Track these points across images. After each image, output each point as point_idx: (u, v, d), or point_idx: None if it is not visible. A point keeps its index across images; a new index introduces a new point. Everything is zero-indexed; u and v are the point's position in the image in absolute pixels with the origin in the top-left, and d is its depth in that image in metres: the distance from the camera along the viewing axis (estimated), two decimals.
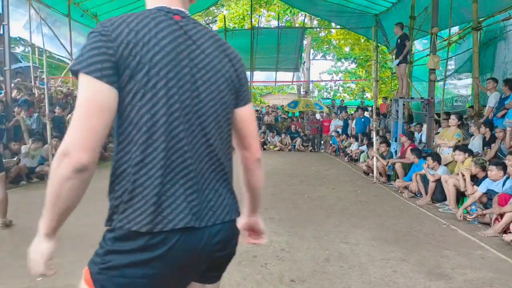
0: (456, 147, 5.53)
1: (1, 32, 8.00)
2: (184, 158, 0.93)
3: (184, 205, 0.92)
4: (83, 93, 0.85)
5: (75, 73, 0.86)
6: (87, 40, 0.89)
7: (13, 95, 8.32)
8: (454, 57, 10.32)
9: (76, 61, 0.86)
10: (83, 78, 0.85)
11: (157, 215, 0.90)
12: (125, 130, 0.91)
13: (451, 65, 10.70)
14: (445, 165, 5.67)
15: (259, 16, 20.28)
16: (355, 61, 23.14)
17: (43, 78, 8.88)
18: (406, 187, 6.04)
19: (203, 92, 0.96)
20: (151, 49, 0.89)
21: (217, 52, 1.00)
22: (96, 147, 0.86)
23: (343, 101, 17.68)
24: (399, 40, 8.22)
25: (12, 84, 8.42)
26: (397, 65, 8.39)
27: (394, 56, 9.22)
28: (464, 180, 4.73)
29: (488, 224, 4.20)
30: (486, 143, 5.86)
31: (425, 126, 8.12)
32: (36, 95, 9.62)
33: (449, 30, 8.77)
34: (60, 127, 9.00)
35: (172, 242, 0.90)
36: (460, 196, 4.99)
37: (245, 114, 1.09)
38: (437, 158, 5.51)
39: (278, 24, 16.80)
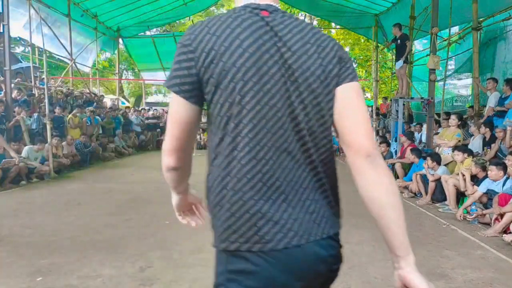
0: (455, 147, 5.53)
1: (1, 31, 8.00)
2: (274, 169, 0.86)
3: (282, 223, 0.85)
4: (170, 104, 0.92)
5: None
6: (176, 51, 0.91)
7: (13, 95, 8.32)
8: (454, 57, 10.32)
9: (169, 75, 0.91)
10: (172, 95, 0.91)
11: (253, 234, 0.85)
12: (216, 142, 0.91)
13: (451, 65, 10.70)
14: (445, 165, 5.67)
15: None
16: (355, 61, 23.15)
17: (43, 78, 8.88)
18: (406, 187, 6.03)
19: (293, 94, 0.88)
20: (234, 52, 0.84)
21: (307, 47, 0.90)
22: (181, 152, 0.95)
23: None
24: (399, 41, 8.22)
25: (12, 84, 8.42)
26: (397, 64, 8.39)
27: (394, 57, 9.22)
28: (464, 180, 4.73)
29: (488, 224, 4.20)
30: (486, 143, 5.86)
31: (425, 126, 8.12)
32: (36, 95, 9.61)
33: (449, 30, 8.77)
34: (60, 127, 9.00)
35: (271, 263, 0.84)
36: (460, 196, 4.99)
37: (340, 94, 0.91)
38: (436, 158, 5.50)
39: None
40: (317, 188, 0.92)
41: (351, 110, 0.91)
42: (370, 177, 0.90)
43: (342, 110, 0.91)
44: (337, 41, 0.97)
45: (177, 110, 0.90)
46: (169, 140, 0.94)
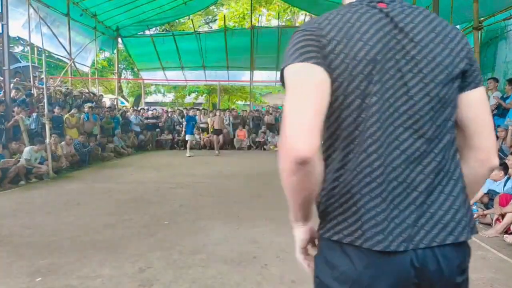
0: None
1: (0, 32, 7.98)
2: (392, 166, 0.82)
3: (385, 224, 0.80)
4: (298, 78, 0.80)
5: (283, 71, 0.84)
6: (291, 41, 0.86)
7: (12, 95, 8.30)
8: None
9: (285, 61, 0.84)
10: (294, 67, 0.81)
11: (357, 228, 0.81)
12: (330, 136, 0.86)
13: None
14: None
15: (259, 15, 20.24)
16: None
17: (42, 78, 8.87)
18: None
19: (413, 88, 0.83)
20: (355, 44, 0.81)
21: (431, 36, 0.85)
22: (318, 134, 0.76)
23: None
24: None
25: (11, 84, 8.40)
26: None
27: None
28: None
29: (489, 225, 4.19)
30: None
31: None
32: (35, 94, 9.58)
33: None
34: (59, 127, 8.99)
35: (369, 263, 0.81)
36: None
37: (471, 101, 0.88)
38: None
39: (278, 23, 16.78)
40: (439, 191, 0.85)
41: (482, 115, 0.89)
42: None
43: (475, 113, 0.88)
44: (464, 34, 0.91)
45: (310, 77, 0.79)
46: (300, 117, 0.76)
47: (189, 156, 10.72)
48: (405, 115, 0.83)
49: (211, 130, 12.82)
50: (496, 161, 0.90)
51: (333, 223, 0.85)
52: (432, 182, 0.83)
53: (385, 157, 0.82)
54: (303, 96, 0.78)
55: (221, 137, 12.38)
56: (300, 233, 0.95)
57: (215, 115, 12.91)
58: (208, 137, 13.69)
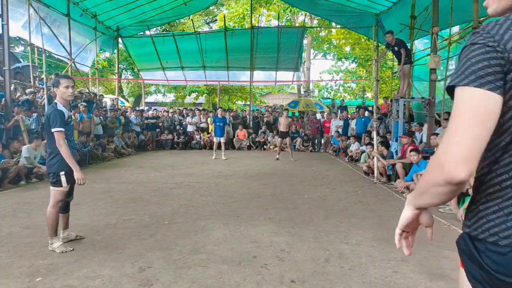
0: None
1: (0, 32, 7.98)
2: None
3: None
4: (469, 103, 0.82)
5: (453, 88, 0.85)
6: (467, 52, 0.85)
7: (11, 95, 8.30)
8: (454, 57, 10.30)
9: (458, 76, 0.84)
10: (469, 91, 0.82)
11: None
12: (502, 144, 0.87)
13: (452, 65, 10.68)
14: None
15: (259, 15, 20.24)
16: (356, 60, 23.14)
17: (42, 78, 8.87)
18: (407, 187, 6.02)
19: None
20: None
21: None
22: (477, 159, 0.81)
23: (344, 101, 17.68)
24: (396, 48, 8.25)
25: (12, 86, 8.40)
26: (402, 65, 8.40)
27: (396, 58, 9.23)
28: None
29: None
30: None
31: (425, 126, 8.11)
32: (36, 96, 9.58)
33: (450, 29, 8.75)
34: None
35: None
36: (461, 196, 4.98)
37: None
38: None
39: (278, 23, 16.77)
40: None
41: None
42: None
43: None
44: None
45: (485, 106, 0.81)
46: (467, 143, 0.80)
47: (215, 158, 10.51)
48: None
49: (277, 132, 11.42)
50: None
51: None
52: None
53: None
54: (473, 126, 0.80)
55: (288, 139, 10.70)
56: (406, 213, 1.00)
57: (281, 115, 11.70)
58: (208, 137, 13.69)
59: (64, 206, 3.50)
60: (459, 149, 0.80)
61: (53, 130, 3.21)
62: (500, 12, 0.94)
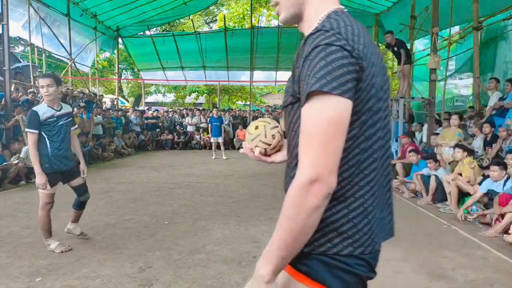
0: (456, 145, 5.50)
1: (0, 32, 7.98)
2: (382, 175, 0.92)
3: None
4: (328, 113, 0.76)
5: (314, 90, 0.77)
6: (323, 53, 0.77)
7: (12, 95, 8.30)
8: (454, 57, 10.30)
9: (321, 80, 0.76)
10: (331, 99, 0.76)
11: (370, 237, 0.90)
12: (349, 152, 0.84)
13: (452, 65, 10.68)
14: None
15: (259, 15, 20.24)
16: None
17: None
18: (405, 185, 6.03)
19: (387, 107, 0.92)
20: (374, 64, 0.83)
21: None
22: (336, 172, 0.78)
23: None
24: (395, 48, 8.26)
25: (12, 86, 8.40)
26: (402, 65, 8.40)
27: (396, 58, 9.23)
28: (468, 182, 4.76)
29: (488, 225, 4.18)
30: (488, 143, 5.84)
31: (425, 126, 8.11)
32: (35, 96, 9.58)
33: (450, 29, 8.75)
34: None
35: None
36: (461, 196, 4.98)
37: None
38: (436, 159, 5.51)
39: (278, 23, 16.76)
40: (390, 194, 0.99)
41: None
42: None
43: None
44: None
45: (344, 117, 0.77)
46: (332, 158, 0.77)
47: (215, 158, 10.49)
48: (386, 129, 0.91)
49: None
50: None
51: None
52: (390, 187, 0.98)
53: (377, 170, 0.90)
54: (336, 137, 0.77)
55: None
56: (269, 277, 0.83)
57: (281, 116, 11.82)
58: (208, 137, 13.69)
59: (79, 204, 3.53)
60: (329, 161, 0.76)
61: (26, 130, 3.14)
62: (290, 19, 0.93)
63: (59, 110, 3.25)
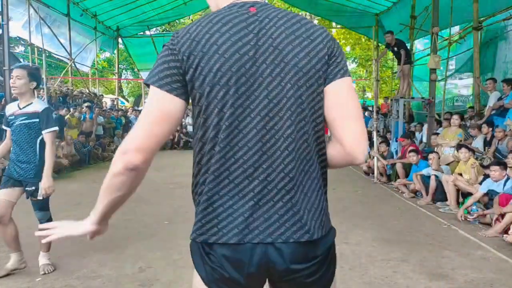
0: (460, 146, 5.48)
1: (0, 32, 7.98)
2: (239, 165, 0.88)
3: (230, 219, 0.88)
4: (151, 102, 0.90)
5: (148, 85, 0.91)
6: (160, 54, 0.91)
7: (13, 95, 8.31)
8: (454, 57, 10.31)
9: (149, 75, 0.90)
10: (153, 90, 0.89)
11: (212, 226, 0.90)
12: (199, 140, 0.93)
13: (452, 65, 10.68)
14: (446, 165, 5.65)
15: None
16: (356, 60, 23.13)
17: (43, 78, 8.87)
18: (405, 185, 6.03)
19: (273, 91, 0.87)
20: (211, 57, 0.86)
21: (289, 40, 0.88)
22: (152, 151, 0.92)
23: None
24: (395, 48, 8.26)
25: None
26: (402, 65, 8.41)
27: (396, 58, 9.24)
28: (468, 181, 4.76)
29: (489, 225, 4.19)
30: (488, 143, 5.85)
31: (425, 126, 8.11)
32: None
33: (450, 29, 8.76)
34: (62, 127, 9.02)
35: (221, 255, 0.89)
36: (462, 197, 4.99)
37: (328, 92, 0.91)
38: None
39: None
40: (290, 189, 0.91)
41: (341, 106, 0.93)
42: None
43: (333, 103, 0.93)
44: (329, 34, 0.93)
45: (162, 107, 0.88)
46: (142, 138, 0.89)
47: None
48: (258, 116, 0.87)
49: None
50: (360, 158, 0.93)
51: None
52: (291, 180, 0.89)
53: (243, 158, 0.88)
54: (149, 121, 0.89)
55: None
56: (85, 226, 1.08)
57: None
58: None
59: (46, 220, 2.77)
60: (139, 140, 0.89)
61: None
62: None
63: (22, 108, 2.75)
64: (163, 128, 0.89)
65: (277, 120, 0.87)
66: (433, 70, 7.63)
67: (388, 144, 7.83)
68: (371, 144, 8.29)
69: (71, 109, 9.90)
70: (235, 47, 0.86)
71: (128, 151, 0.88)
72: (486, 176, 4.57)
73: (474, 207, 4.46)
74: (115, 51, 16.22)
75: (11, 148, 2.81)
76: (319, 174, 0.94)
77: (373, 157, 7.35)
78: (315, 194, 0.92)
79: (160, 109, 0.88)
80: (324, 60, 0.90)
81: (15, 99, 8.82)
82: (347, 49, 23.29)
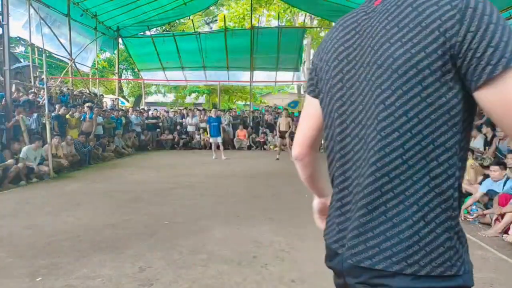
0: None
1: (0, 32, 7.99)
2: (343, 173, 0.87)
3: (333, 227, 0.91)
4: (304, 106, 1.04)
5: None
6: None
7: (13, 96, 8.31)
8: None
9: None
10: (305, 97, 1.04)
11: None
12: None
13: None
14: None
15: (259, 15, 20.25)
16: None
17: (43, 78, 8.88)
18: None
19: (364, 98, 0.79)
20: (322, 67, 0.93)
21: (390, 34, 0.74)
22: (305, 144, 1.03)
23: None
24: None
25: (13, 86, 8.41)
26: None
27: None
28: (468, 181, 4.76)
29: (488, 225, 4.19)
30: (488, 143, 5.85)
31: None
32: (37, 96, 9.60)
33: None
34: (62, 127, 9.02)
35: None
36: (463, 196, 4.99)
37: (484, 101, 0.68)
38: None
39: (278, 23, 16.79)
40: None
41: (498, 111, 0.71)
42: None
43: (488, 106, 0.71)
44: (461, 6, 0.69)
45: (306, 108, 1.03)
46: (297, 135, 1.06)
47: (215, 159, 10.45)
48: (360, 124, 0.81)
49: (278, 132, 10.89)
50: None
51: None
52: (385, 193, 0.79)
53: (340, 167, 0.89)
54: (302, 121, 1.04)
55: (288, 139, 10.45)
56: (314, 203, 1.15)
57: (280, 115, 11.44)
58: (208, 137, 13.69)
59: None
60: (296, 137, 1.05)
61: None
62: None
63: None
64: (308, 125, 1.01)
65: (366, 129, 0.79)
66: None
67: None
68: None
69: (72, 109, 9.91)
70: (335, 54, 0.87)
71: (294, 145, 1.07)
72: (486, 176, 4.57)
73: (474, 207, 4.46)
74: (115, 51, 16.22)
75: None
76: (421, 200, 0.73)
77: None
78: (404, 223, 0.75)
79: (304, 109, 1.04)
80: (437, 55, 0.69)
81: (15, 100, 8.82)
82: None
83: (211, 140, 11.02)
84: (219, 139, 10.81)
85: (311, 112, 1.00)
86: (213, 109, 11.43)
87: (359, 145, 0.81)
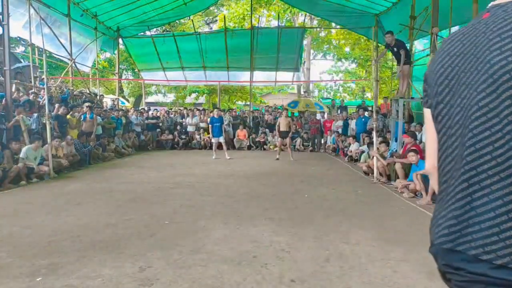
0: None
1: (1, 32, 7.99)
2: (446, 169, 0.94)
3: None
4: (425, 121, 1.07)
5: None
6: None
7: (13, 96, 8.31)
8: None
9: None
10: (424, 110, 1.06)
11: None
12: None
13: None
14: None
15: (259, 16, 20.25)
16: (355, 61, 23.15)
17: (43, 78, 8.88)
18: (406, 187, 6.03)
19: (462, 100, 0.87)
20: (430, 76, 0.98)
21: (492, 43, 0.81)
22: (431, 156, 1.03)
23: (343, 101, 17.69)
24: (395, 49, 8.26)
25: (13, 86, 8.41)
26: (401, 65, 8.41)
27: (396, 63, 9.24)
28: None
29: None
30: None
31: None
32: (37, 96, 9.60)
33: (449, 30, 8.75)
34: (62, 127, 9.02)
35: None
36: None
37: None
38: None
39: (278, 24, 16.79)
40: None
41: None
42: None
43: None
44: None
45: (426, 120, 1.05)
46: (426, 146, 1.10)
47: (215, 158, 10.46)
48: (463, 130, 0.87)
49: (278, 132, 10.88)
50: None
51: None
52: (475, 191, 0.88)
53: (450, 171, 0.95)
54: (427, 134, 1.06)
55: (288, 139, 10.59)
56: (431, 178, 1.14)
57: (280, 115, 11.44)
58: (208, 138, 13.70)
59: None
60: (426, 151, 1.09)
61: None
62: None
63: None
64: (433, 137, 1.01)
65: (463, 129, 0.87)
66: None
67: (388, 144, 7.83)
68: (371, 144, 8.29)
69: (72, 110, 9.91)
70: (441, 63, 0.95)
71: (426, 161, 1.10)
72: None
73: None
74: (116, 52, 16.23)
75: None
76: (507, 196, 0.78)
77: (373, 157, 7.35)
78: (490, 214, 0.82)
79: (425, 122, 1.06)
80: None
81: (15, 100, 8.83)
82: (347, 49, 23.31)
83: (213, 140, 11.05)
84: (221, 139, 10.84)
85: (429, 124, 1.03)
86: (216, 110, 11.46)
87: (456, 142, 0.91)
